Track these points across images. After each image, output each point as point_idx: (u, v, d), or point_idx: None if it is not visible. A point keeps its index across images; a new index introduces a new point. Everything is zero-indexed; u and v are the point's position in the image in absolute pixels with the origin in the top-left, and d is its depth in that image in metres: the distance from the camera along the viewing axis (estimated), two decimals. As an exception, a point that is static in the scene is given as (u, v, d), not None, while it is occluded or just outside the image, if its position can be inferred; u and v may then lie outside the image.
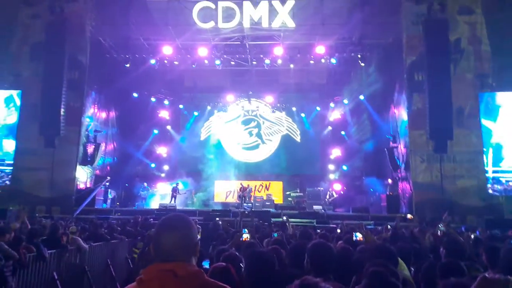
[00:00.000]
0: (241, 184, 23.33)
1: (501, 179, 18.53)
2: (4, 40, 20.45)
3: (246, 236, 6.25)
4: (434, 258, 5.34)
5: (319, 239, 5.41)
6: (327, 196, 22.61)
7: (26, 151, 19.10)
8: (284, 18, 19.31)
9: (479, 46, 18.85)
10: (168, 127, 27.84)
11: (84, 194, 19.53)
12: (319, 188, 23.09)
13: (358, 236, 6.04)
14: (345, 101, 25.47)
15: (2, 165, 19.81)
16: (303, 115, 27.39)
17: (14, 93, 20.11)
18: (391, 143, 21.32)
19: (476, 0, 19.26)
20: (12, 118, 20.09)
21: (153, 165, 27.01)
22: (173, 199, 22.52)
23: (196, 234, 2.22)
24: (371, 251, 4.12)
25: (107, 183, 22.10)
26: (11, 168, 19.51)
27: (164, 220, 2.20)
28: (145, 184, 24.80)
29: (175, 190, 22.87)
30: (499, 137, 18.88)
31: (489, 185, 18.32)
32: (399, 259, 4.17)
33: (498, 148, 18.83)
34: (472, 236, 8.65)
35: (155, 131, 27.17)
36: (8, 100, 20.19)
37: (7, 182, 19.47)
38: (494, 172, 18.52)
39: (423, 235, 8.09)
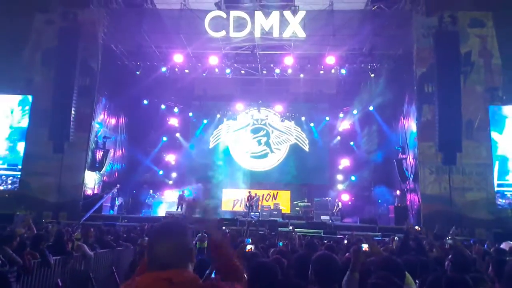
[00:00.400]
0: (249, 192, 23.26)
1: (506, 193, 18.26)
2: (18, 46, 20.68)
3: (250, 247, 6.17)
4: (440, 271, 5.28)
5: (324, 250, 5.37)
6: (335, 208, 22.43)
7: (35, 156, 19.10)
8: (295, 28, 19.33)
9: (490, 59, 18.78)
10: (177, 135, 27.88)
11: (92, 200, 19.51)
12: (327, 198, 22.93)
13: (364, 247, 5.99)
14: (355, 112, 25.46)
15: (15, 170, 19.73)
16: (312, 124, 27.27)
17: (29, 96, 20.10)
18: (400, 154, 21.26)
19: (488, 13, 19.26)
20: (26, 121, 19.98)
21: (161, 172, 27.02)
22: (180, 206, 22.25)
23: (191, 240, 2.18)
24: (377, 263, 4.08)
25: (116, 190, 22.15)
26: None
27: (158, 228, 2.17)
28: (151, 191, 24.72)
29: (181, 198, 22.70)
30: (505, 150, 18.63)
31: (493, 199, 18.12)
32: (407, 273, 4.10)
33: (503, 161, 18.55)
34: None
35: (164, 138, 27.23)
36: (23, 103, 20.21)
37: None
38: (498, 185, 18.20)
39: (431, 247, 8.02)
